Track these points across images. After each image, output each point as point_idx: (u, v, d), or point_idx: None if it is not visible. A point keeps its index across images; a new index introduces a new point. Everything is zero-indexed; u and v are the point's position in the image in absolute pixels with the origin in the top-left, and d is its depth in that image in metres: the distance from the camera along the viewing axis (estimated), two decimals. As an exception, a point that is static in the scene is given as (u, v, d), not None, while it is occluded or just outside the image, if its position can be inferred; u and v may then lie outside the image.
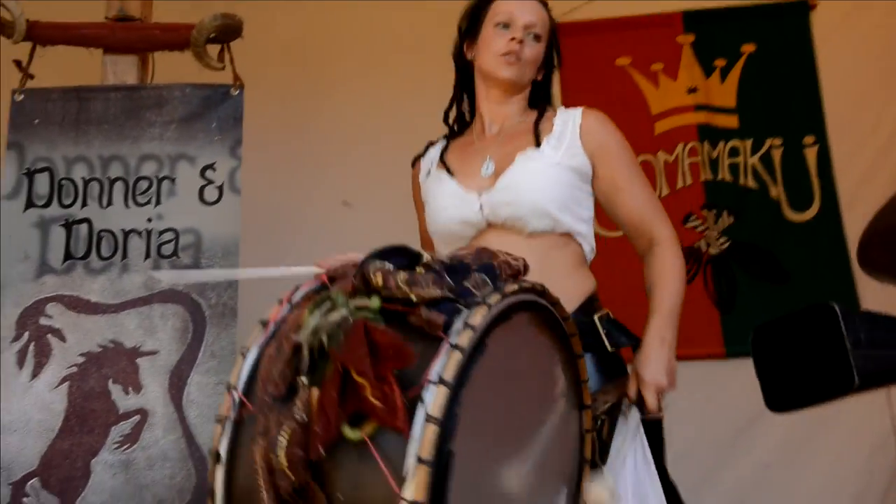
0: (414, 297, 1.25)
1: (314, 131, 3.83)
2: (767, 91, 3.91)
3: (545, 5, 2.16)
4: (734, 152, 3.90)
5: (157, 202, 2.88)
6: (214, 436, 1.27)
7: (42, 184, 2.89)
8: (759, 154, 3.88)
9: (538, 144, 2.02)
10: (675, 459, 3.46)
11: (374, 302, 1.26)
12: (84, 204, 2.88)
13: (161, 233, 2.85)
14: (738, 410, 3.43)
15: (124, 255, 2.83)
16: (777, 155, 3.86)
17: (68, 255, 2.83)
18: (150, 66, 3.07)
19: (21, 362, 2.74)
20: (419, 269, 1.33)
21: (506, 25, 2.07)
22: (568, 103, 3.81)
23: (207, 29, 2.86)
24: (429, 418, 1.11)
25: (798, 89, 3.88)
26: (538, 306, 1.41)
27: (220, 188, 2.88)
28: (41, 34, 2.95)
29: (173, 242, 2.84)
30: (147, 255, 2.83)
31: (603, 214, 2.10)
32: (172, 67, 3.07)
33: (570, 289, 1.87)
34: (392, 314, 1.27)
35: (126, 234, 2.85)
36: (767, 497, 3.54)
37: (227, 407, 1.28)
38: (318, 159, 3.76)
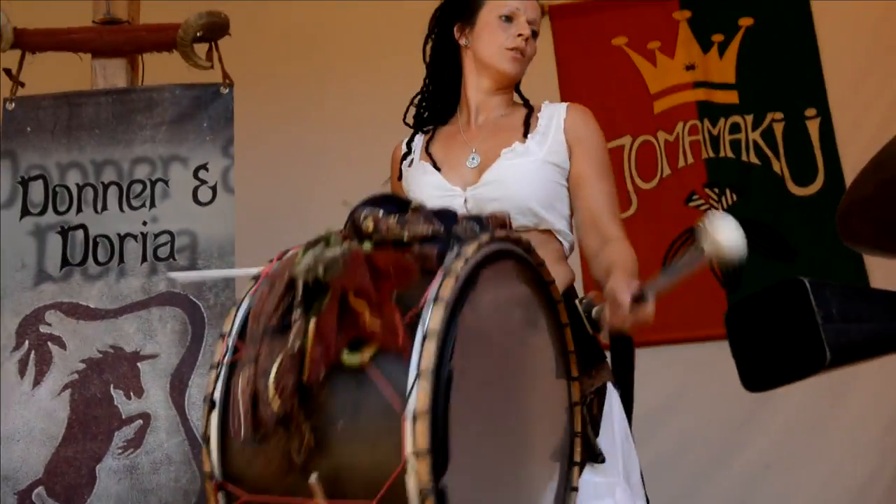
0: (406, 236, 1.23)
1: (307, 127, 3.78)
2: (767, 65, 3.80)
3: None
4: (735, 128, 3.80)
5: (152, 205, 2.83)
6: (208, 382, 1.23)
7: (37, 191, 2.85)
8: (760, 129, 3.78)
9: (525, 139, 1.98)
10: (686, 437, 3.45)
11: (367, 245, 1.23)
12: (79, 210, 2.83)
13: (157, 235, 2.80)
14: (743, 400, 3.35)
15: (121, 260, 2.79)
16: (779, 129, 3.76)
17: (65, 262, 2.79)
18: (140, 68, 3.01)
19: (22, 371, 2.71)
20: (409, 214, 1.31)
21: (509, 18, 2.02)
22: (564, 86, 3.80)
23: (193, 28, 2.80)
24: (428, 334, 1.08)
25: (798, 62, 3.78)
26: (523, 260, 1.39)
27: (214, 188, 2.82)
28: (29, 41, 2.90)
29: (169, 245, 2.79)
30: (144, 259, 2.79)
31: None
32: (162, 68, 3.02)
33: None
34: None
35: (122, 238, 2.80)
36: (779, 476, 3.46)
37: (221, 353, 1.23)
38: (312, 155, 3.71)
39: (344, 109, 3.77)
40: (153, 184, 2.84)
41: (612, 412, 1.85)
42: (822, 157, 3.70)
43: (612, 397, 1.87)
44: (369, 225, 1.25)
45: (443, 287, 1.12)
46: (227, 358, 1.23)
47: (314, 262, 1.17)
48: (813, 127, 3.73)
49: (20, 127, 2.90)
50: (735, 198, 3.75)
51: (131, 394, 2.67)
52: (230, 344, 1.24)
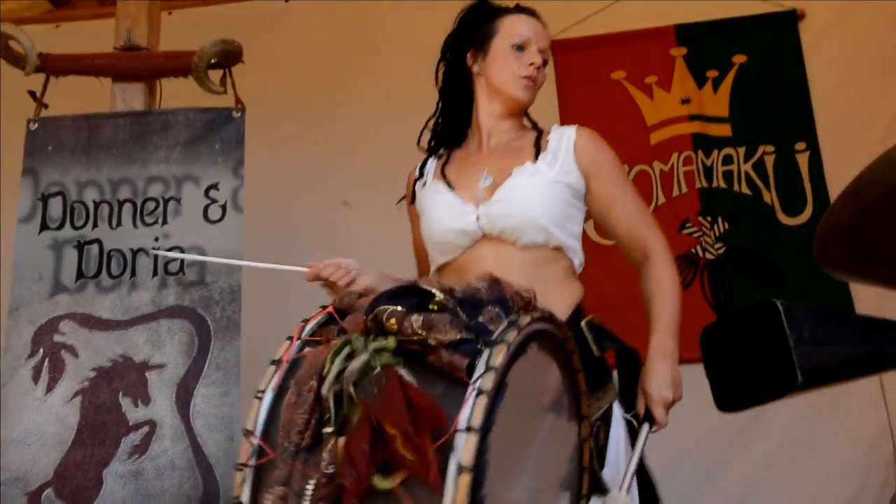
0: (433, 341, 1.19)
1: (315, 151, 3.77)
2: (759, 100, 3.78)
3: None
4: (728, 160, 3.77)
5: (164, 222, 2.84)
6: (235, 483, 1.19)
7: (55, 207, 2.87)
8: (752, 161, 3.75)
9: (536, 160, 1.94)
10: (676, 460, 3.39)
11: (391, 343, 1.20)
12: (95, 225, 2.85)
13: (168, 251, 2.79)
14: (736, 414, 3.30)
15: (133, 274, 2.80)
16: (770, 161, 3.73)
17: (80, 275, 2.81)
18: (158, 92, 3.02)
19: (36, 378, 2.71)
20: (432, 307, 1.26)
21: (521, 48, 2.00)
22: (565, 117, 3.77)
23: (208, 55, 2.81)
24: (461, 469, 1.05)
25: (789, 97, 3.75)
26: (547, 333, 1.35)
27: (224, 207, 2.83)
28: (53, 65, 2.93)
29: (179, 261, 2.78)
30: (154, 273, 2.80)
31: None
32: (179, 92, 3.02)
33: (560, 299, 1.80)
34: (409, 353, 1.21)
35: (135, 253, 2.82)
36: (767, 496, 3.40)
37: (247, 453, 1.20)
38: (319, 178, 3.70)
39: (352, 134, 3.77)
40: (166, 202, 2.85)
41: (618, 434, 1.82)
42: (810, 188, 3.66)
43: (616, 417, 1.83)
44: (393, 325, 1.20)
45: (475, 412, 1.08)
46: (253, 461, 1.20)
47: (344, 379, 1.15)
48: (802, 160, 3.70)
49: (42, 146, 2.92)
50: (727, 226, 3.72)
51: (139, 402, 2.67)
52: (255, 444, 1.21)
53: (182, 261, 2.77)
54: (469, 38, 2.08)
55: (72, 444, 2.63)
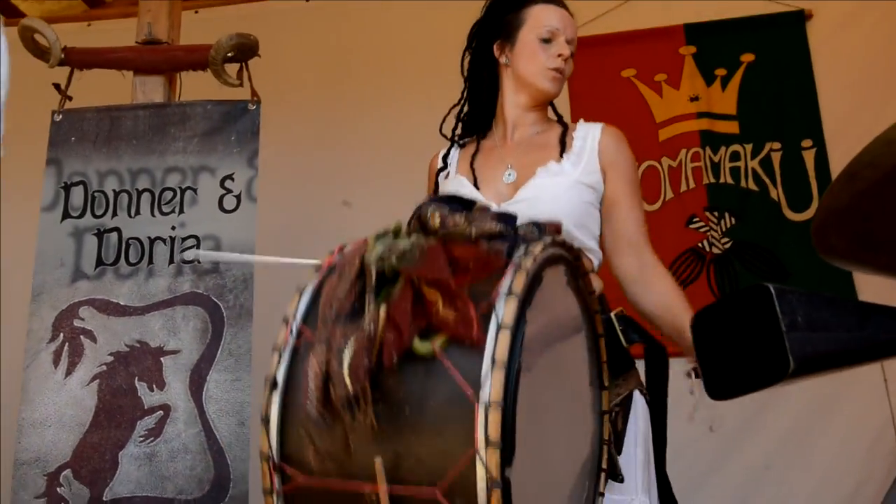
0: (473, 233, 1.13)
1: (330, 143, 3.70)
2: (766, 98, 3.67)
3: None
4: (735, 156, 3.66)
5: (181, 211, 2.78)
6: (271, 364, 1.11)
7: (77, 196, 2.82)
8: (759, 158, 3.64)
9: (560, 159, 1.85)
10: (678, 455, 3.29)
11: (433, 241, 1.13)
12: (114, 214, 2.79)
13: (184, 239, 2.75)
14: (741, 406, 3.19)
15: (150, 261, 2.74)
16: (776, 158, 3.62)
17: (100, 262, 2.75)
18: (178, 85, 2.97)
19: (56, 361, 2.67)
20: (475, 212, 1.20)
21: (548, 39, 1.90)
22: (577, 113, 3.66)
23: (224, 48, 2.75)
24: (502, 326, 1.00)
25: (796, 96, 3.64)
26: (574, 267, 1.29)
27: (238, 197, 2.77)
28: (77, 59, 2.88)
29: (194, 248, 2.73)
30: (171, 261, 2.74)
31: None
32: (200, 86, 2.96)
33: None
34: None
35: (152, 241, 2.76)
36: (770, 488, 3.30)
37: (284, 336, 1.12)
38: (332, 169, 3.63)
39: (368, 130, 3.70)
40: (183, 191, 2.79)
41: (636, 422, 1.72)
42: (816, 185, 3.55)
43: (638, 406, 1.74)
44: (436, 221, 1.15)
45: (514, 282, 1.03)
46: (291, 340, 1.12)
47: (387, 251, 1.09)
48: (809, 157, 3.59)
49: (65, 137, 2.87)
50: (733, 221, 3.61)
51: (154, 386, 2.62)
52: (294, 328, 1.13)
53: (198, 248, 2.72)
54: (496, 29, 1.98)
55: (89, 427, 2.58)
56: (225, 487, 2.50)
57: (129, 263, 2.74)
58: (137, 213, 2.78)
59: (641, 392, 1.75)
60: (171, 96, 2.92)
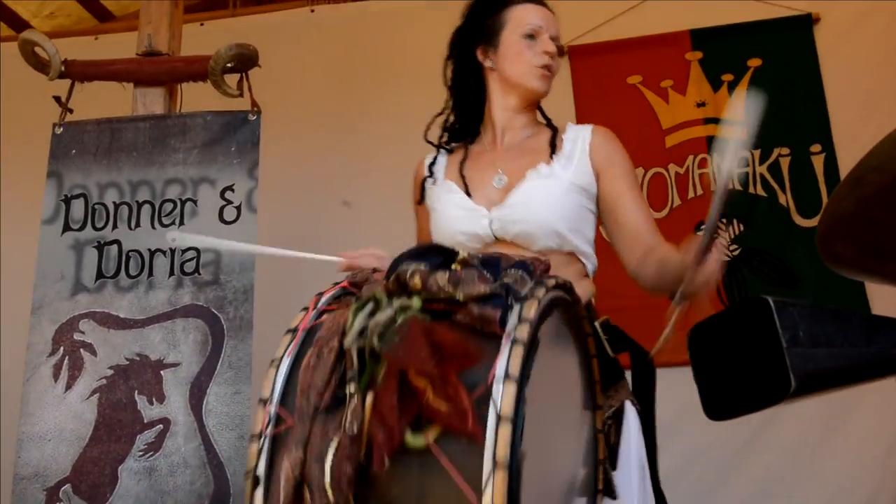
0: (461, 296, 1.05)
1: (331, 151, 3.65)
2: (774, 103, 3.50)
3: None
4: (743, 162, 3.57)
5: (181, 223, 2.74)
6: (250, 455, 1.04)
7: (77, 209, 2.78)
8: (767, 163, 3.55)
9: (551, 161, 1.78)
10: (688, 462, 3.21)
11: (416, 302, 1.06)
12: (115, 226, 2.76)
13: (184, 251, 2.71)
14: (750, 416, 3.11)
15: (150, 273, 2.70)
16: (785, 164, 3.54)
17: (100, 275, 2.72)
18: (179, 96, 2.92)
19: (56, 375, 2.63)
20: (456, 267, 1.12)
21: (532, 36, 1.83)
22: (582, 120, 3.57)
23: (223, 59, 2.71)
24: (502, 419, 0.91)
25: (804, 100, 3.55)
26: (567, 304, 1.21)
27: (239, 208, 2.73)
28: (77, 71, 2.85)
29: (195, 260, 2.70)
30: (171, 273, 2.69)
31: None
32: (201, 97, 2.92)
33: None
34: (436, 313, 1.07)
35: (152, 253, 2.72)
36: (782, 495, 3.21)
37: (263, 422, 1.04)
38: (333, 179, 3.58)
39: (373, 139, 3.64)
40: (183, 203, 2.75)
41: (629, 435, 1.63)
42: (826, 190, 3.46)
43: (630, 417, 1.65)
44: (416, 282, 1.07)
45: (511, 360, 0.95)
46: (269, 430, 1.05)
47: (367, 331, 1.01)
48: (818, 162, 3.50)
49: (66, 150, 2.85)
50: (742, 228, 3.53)
51: (153, 400, 2.57)
52: (272, 413, 1.06)
53: (198, 260, 2.66)
54: (477, 34, 1.90)
55: (89, 441, 2.54)
56: (224, 502, 2.44)
57: (129, 276, 2.69)
58: (138, 225, 2.74)
59: (632, 402, 1.68)
60: (172, 108, 2.89)
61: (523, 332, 0.97)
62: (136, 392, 2.57)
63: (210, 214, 2.72)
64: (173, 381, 2.57)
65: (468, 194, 1.81)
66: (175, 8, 2.92)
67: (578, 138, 1.82)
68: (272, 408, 1.05)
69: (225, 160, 2.76)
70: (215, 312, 2.62)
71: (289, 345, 1.12)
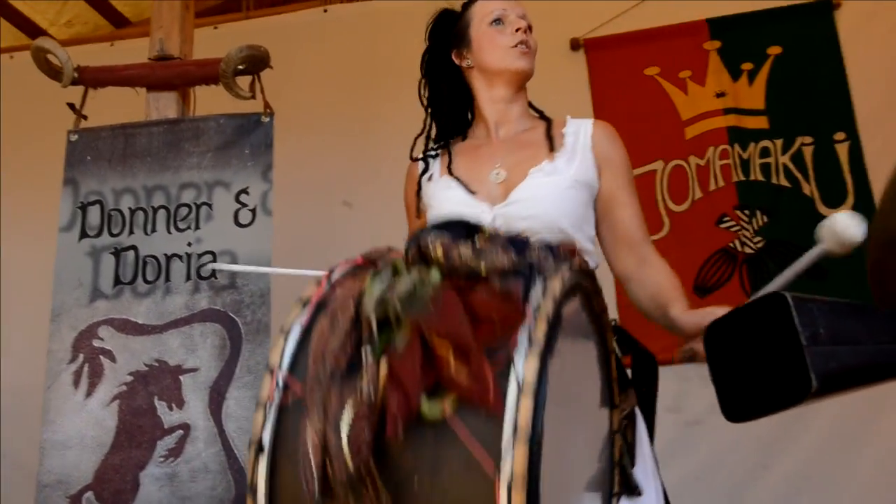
0: (483, 269, 1.00)
1: (344, 154, 3.62)
2: (796, 91, 3.52)
3: None
4: (765, 152, 3.52)
5: (197, 227, 2.71)
6: (255, 424, 0.97)
7: (94, 215, 2.77)
8: (790, 153, 3.49)
9: (553, 156, 1.75)
10: (717, 460, 3.16)
11: (435, 274, 1.00)
12: (131, 232, 2.73)
13: (200, 255, 2.69)
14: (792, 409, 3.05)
15: (167, 279, 2.68)
16: (808, 153, 3.47)
17: (117, 281, 2.70)
18: (192, 100, 2.91)
19: (76, 382, 2.61)
20: (481, 241, 1.07)
21: (499, 21, 1.82)
22: (599, 114, 3.53)
23: (234, 61, 2.68)
24: (524, 389, 0.85)
25: (826, 87, 3.49)
26: (588, 292, 1.15)
27: (254, 211, 2.70)
28: (90, 77, 2.84)
29: (211, 264, 2.66)
30: (188, 277, 2.67)
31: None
32: (215, 100, 2.90)
33: None
34: (456, 286, 1.01)
35: (168, 258, 2.70)
36: (812, 493, 3.15)
37: (270, 390, 0.98)
38: (348, 181, 3.55)
39: (387, 140, 3.58)
40: (198, 207, 2.72)
41: (641, 438, 1.61)
42: (851, 179, 3.40)
43: (640, 422, 1.62)
44: (439, 252, 1.01)
45: (535, 331, 0.90)
46: (277, 397, 0.99)
47: (389, 297, 0.95)
48: (842, 150, 3.43)
49: (81, 156, 2.83)
50: (766, 219, 3.46)
51: (173, 405, 2.55)
52: (280, 381, 1.00)
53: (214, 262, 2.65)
54: (447, 40, 1.90)
55: (110, 448, 2.52)
56: (246, 507, 2.42)
57: (146, 281, 2.68)
58: (153, 230, 2.72)
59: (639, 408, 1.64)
60: (186, 111, 2.87)
61: (548, 306, 0.92)
62: (156, 398, 2.56)
63: (225, 218, 2.70)
64: (192, 387, 2.56)
65: (468, 190, 1.77)
66: (186, 11, 2.90)
67: (580, 132, 1.79)
68: (280, 375, 1.02)
69: (239, 163, 2.74)
70: (232, 316, 2.60)
71: (300, 315, 1.09)
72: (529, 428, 0.84)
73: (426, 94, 1.96)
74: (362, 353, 0.95)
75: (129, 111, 2.90)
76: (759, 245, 3.44)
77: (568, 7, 3.66)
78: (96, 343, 2.64)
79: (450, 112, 1.94)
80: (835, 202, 3.40)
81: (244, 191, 2.71)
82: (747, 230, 3.46)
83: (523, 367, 0.87)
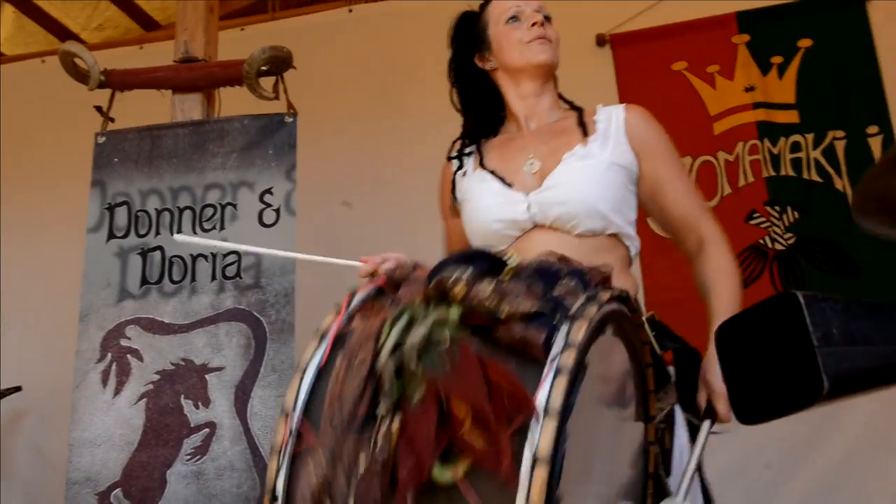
0: (504, 313, 0.97)
1: (367, 154, 3.62)
2: (827, 84, 3.45)
3: None
4: (796, 147, 3.45)
5: (222, 227, 2.75)
6: (269, 471, 0.99)
7: (121, 216, 2.82)
8: (821, 147, 3.42)
9: (586, 141, 1.73)
10: (748, 459, 3.11)
11: (454, 313, 0.98)
12: (157, 233, 2.78)
13: (225, 255, 2.71)
14: (812, 411, 2.99)
15: (193, 279, 2.72)
16: (840, 147, 3.40)
17: (144, 281, 2.74)
18: (217, 101, 2.94)
19: (105, 381, 2.66)
20: (504, 276, 1.05)
21: (515, 18, 1.82)
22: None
23: (257, 62, 2.71)
24: (538, 460, 0.83)
25: (858, 80, 3.41)
26: (623, 316, 1.13)
27: (278, 211, 2.73)
28: (116, 80, 2.88)
29: (236, 264, 2.71)
30: (213, 277, 2.71)
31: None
32: (240, 101, 2.92)
33: None
34: (474, 327, 0.99)
35: (194, 258, 2.74)
36: (846, 493, 3.09)
37: (283, 437, 0.98)
38: (370, 180, 3.55)
39: (411, 139, 3.61)
40: (223, 207, 2.76)
41: (680, 439, 1.58)
42: (885, 173, 3.31)
43: (679, 420, 1.60)
44: (459, 291, 0.99)
45: (553, 393, 0.86)
46: (290, 444, 0.99)
47: (404, 351, 0.94)
48: (875, 144, 3.35)
49: (109, 158, 2.88)
50: (797, 215, 3.40)
51: (199, 404, 2.59)
52: (294, 426, 0.99)
53: (239, 264, 2.67)
54: (468, 47, 1.90)
55: (138, 446, 2.57)
56: (271, 505, 2.44)
57: (172, 281, 2.72)
58: (179, 230, 2.75)
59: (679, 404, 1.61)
60: (211, 113, 2.91)
61: (568, 360, 0.89)
62: (183, 396, 2.59)
63: (250, 218, 2.73)
64: (218, 385, 2.59)
65: (503, 181, 1.76)
66: (210, 14, 2.93)
67: (612, 117, 1.77)
68: (294, 421, 1.01)
69: (263, 163, 2.76)
70: (257, 316, 2.63)
71: (315, 351, 1.08)
72: (543, 499, 0.82)
73: (458, 100, 1.96)
74: (377, 403, 0.94)
75: (156, 113, 2.94)
76: (791, 241, 3.38)
77: (593, 3, 3.64)
78: (124, 342, 2.68)
79: (480, 113, 1.93)
80: (868, 197, 3.33)
81: (268, 191, 2.74)
82: (778, 226, 3.40)
83: (540, 437, 0.83)
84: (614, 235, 1.69)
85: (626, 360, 1.20)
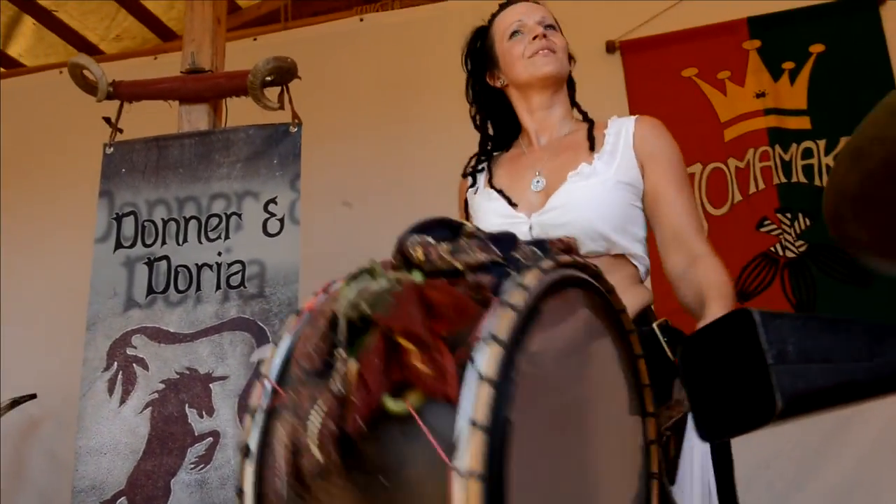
0: (460, 266, 0.99)
1: (371, 164, 3.63)
2: (839, 90, 3.40)
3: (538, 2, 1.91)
4: (807, 154, 3.41)
5: (227, 237, 2.76)
6: (244, 428, 0.99)
7: (128, 226, 2.83)
8: (833, 153, 3.37)
9: (592, 158, 1.71)
10: (762, 465, 3.07)
11: (417, 276, 1.00)
12: (163, 242, 2.79)
13: (230, 265, 2.73)
14: (823, 418, 2.94)
15: (198, 288, 2.73)
16: (852, 153, 3.34)
17: (150, 290, 2.75)
18: (223, 112, 2.95)
19: (111, 390, 2.68)
20: (463, 239, 1.06)
21: (517, 32, 1.82)
22: (636, 117, 3.50)
23: (262, 73, 2.72)
24: (480, 378, 0.83)
25: (871, 86, 3.36)
26: (593, 288, 1.11)
27: (282, 220, 2.73)
28: (124, 92, 2.90)
29: (240, 273, 2.71)
30: (218, 287, 2.72)
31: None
32: (247, 112, 2.94)
33: (625, 303, 1.55)
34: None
35: (199, 268, 2.75)
36: (860, 501, 3.03)
37: (258, 396, 1.00)
38: (374, 190, 3.56)
39: (420, 148, 3.61)
40: (228, 217, 2.77)
41: (692, 449, 1.52)
42: (898, 180, 3.25)
43: (691, 435, 1.52)
44: (419, 254, 1.01)
45: (499, 324, 0.87)
46: (264, 402, 1.00)
47: (357, 297, 0.95)
48: (888, 150, 3.29)
49: (117, 169, 2.90)
50: (808, 222, 3.36)
51: (203, 413, 2.60)
52: (268, 386, 1.01)
53: (243, 274, 2.68)
54: (479, 65, 1.91)
55: (143, 454, 2.57)
56: (272, 515, 2.44)
57: (177, 291, 2.73)
58: (185, 240, 2.77)
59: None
60: (217, 123, 2.92)
61: (517, 298, 0.89)
62: (187, 405, 2.60)
63: (254, 227, 2.73)
64: (222, 395, 2.60)
65: (509, 201, 1.76)
66: (217, 25, 2.95)
67: (621, 131, 1.74)
68: (268, 382, 1.03)
69: (268, 173, 2.77)
70: (261, 325, 2.64)
71: (292, 324, 1.10)
72: (488, 419, 0.81)
73: (478, 119, 1.97)
74: (336, 353, 0.95)
75: (163, 124, 2.97)
76: (802, 249, 3.34)
77: (603, 9, 3.62)
78: (130, 351, 2.70)
79: (497, 131, 1.94)
80: (881, 204, 3.28)
81: (272, 200, 2.74)
82: (789, 234, 3.36)
83: (482, 359, 0.84)
84: (620, 255, 1.67)
85: (610, 343, 1.18)
